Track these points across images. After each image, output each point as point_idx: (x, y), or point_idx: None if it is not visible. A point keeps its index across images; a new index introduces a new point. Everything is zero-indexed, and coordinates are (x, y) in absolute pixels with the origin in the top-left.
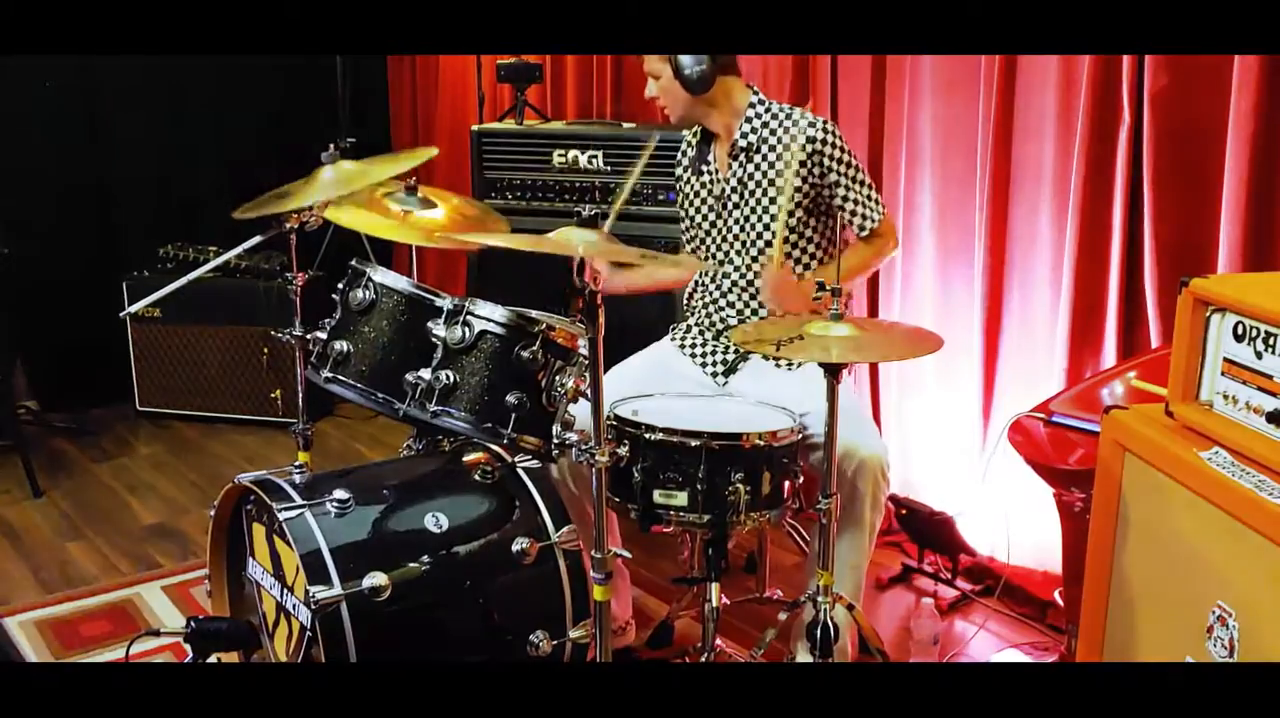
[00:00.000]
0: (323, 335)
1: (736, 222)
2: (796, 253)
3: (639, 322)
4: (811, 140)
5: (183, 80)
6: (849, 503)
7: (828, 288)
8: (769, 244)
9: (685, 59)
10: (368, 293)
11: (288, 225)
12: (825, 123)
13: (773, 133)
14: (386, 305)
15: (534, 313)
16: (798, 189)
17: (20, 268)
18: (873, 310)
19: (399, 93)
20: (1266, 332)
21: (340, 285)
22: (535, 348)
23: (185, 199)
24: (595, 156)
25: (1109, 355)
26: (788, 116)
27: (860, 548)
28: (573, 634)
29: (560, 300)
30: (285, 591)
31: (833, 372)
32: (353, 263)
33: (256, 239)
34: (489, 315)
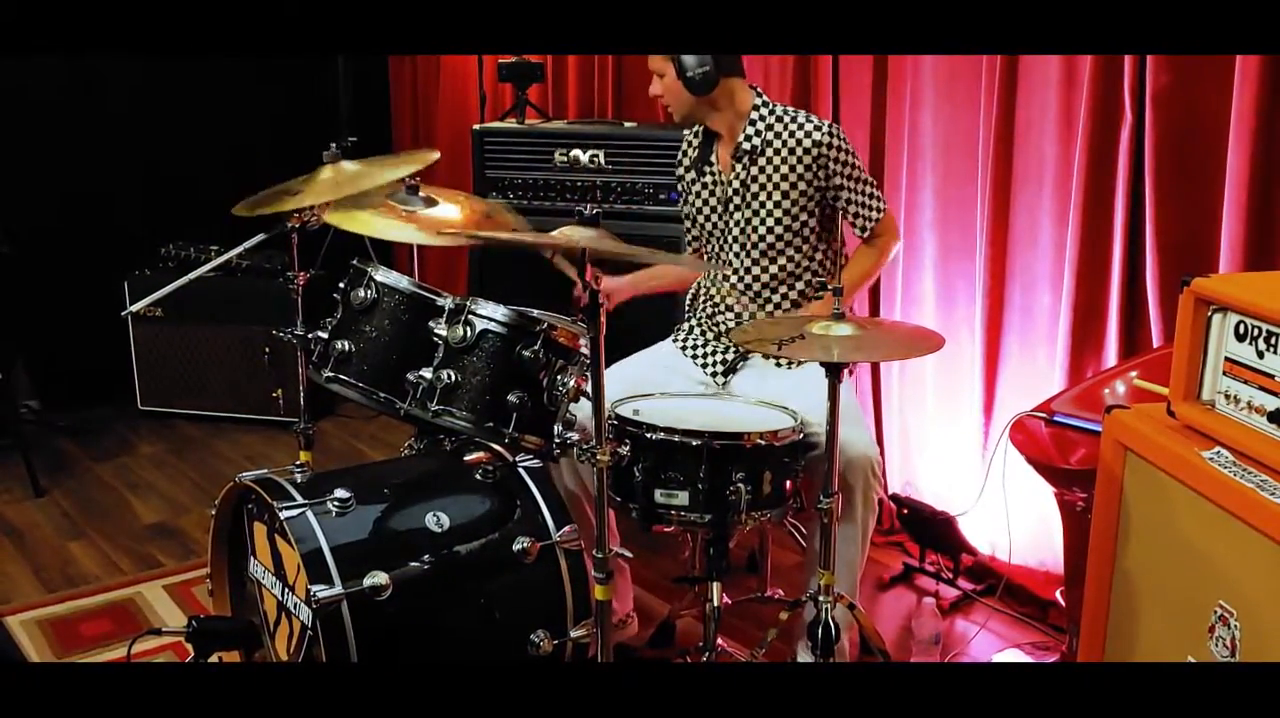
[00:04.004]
0: (324, 335)
1: (737, 224)
2: (793, 253)
3: (639, 323)
4: (817, 144)
5: (184, 80)
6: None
7: (831, 287)
8: (771, 246)
9: (689, 60)
10: (369, 292)
11: (289, 225)
12: (830, 126)
13: (777, 136)
14: (388, 305)
15: (535, 312)
16: (802, 193)
17: (22, 267)
18: (874, 310)
19: (400, 92)
20: (1268, 331)
21: (342, 285)
22: (537, 347)
23: (186, 198)
24: (597, 155)
25: (1110, 355)
26: (793, 119)
27: (853, 546)
28: (573, 634)
29: (562, 300)
30: (286, 589)
31: (834, 371)
32: (354, 262)
33: (258, 238)
34: (490, 315)
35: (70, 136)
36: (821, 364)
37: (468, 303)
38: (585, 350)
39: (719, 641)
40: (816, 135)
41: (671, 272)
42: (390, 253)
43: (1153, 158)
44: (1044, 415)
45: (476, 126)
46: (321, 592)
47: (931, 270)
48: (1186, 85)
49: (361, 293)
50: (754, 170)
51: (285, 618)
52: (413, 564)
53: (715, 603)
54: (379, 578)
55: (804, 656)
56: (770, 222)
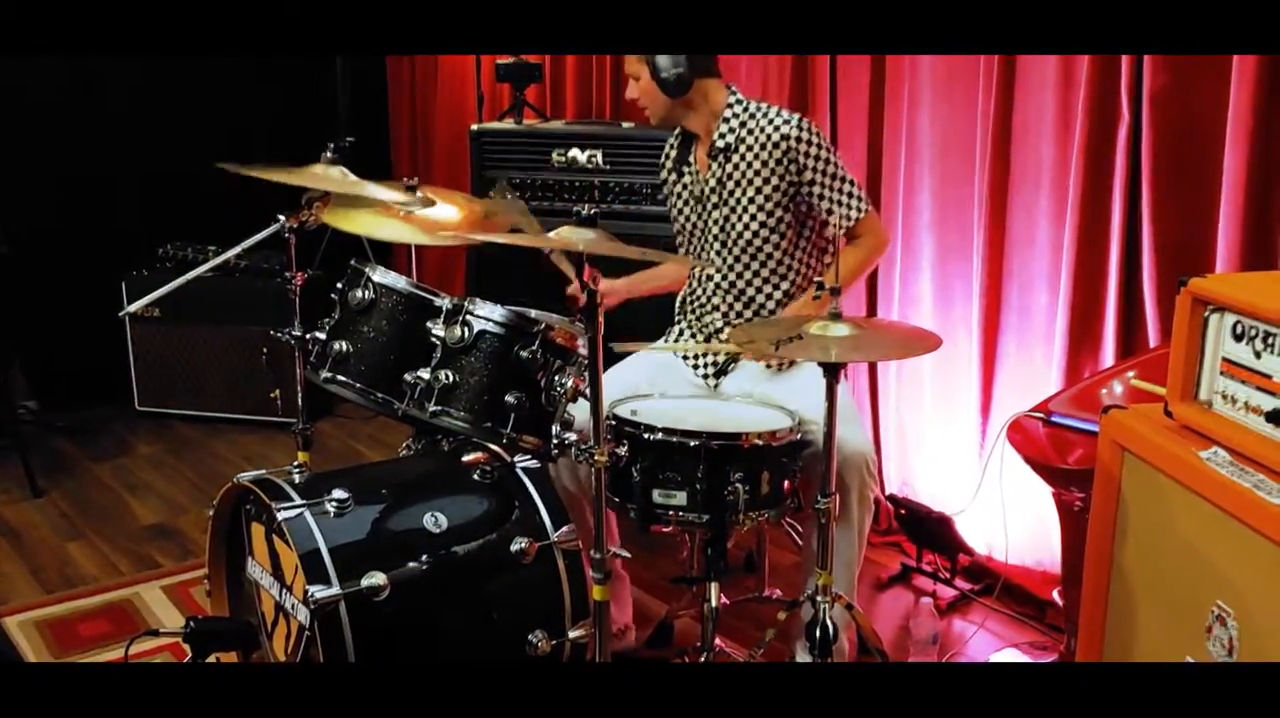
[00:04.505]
0: (322, 335)
1: (716, 222)
2: (773, 250)
3: (636, 324)
4: (785, 138)
5: (184, 80)
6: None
7: (827, 287)
8: (749, 243)
9: (663, 61)
10: (367, 292)
11: (287, 225)
12: (801, 120)
13: (750, 132)
14: (386, 305)
15: (533, 312)
16: (775, 188)
17: (20, 267)
18: (871, 310)
19: (398, 93)
20: (1265, 331)
21: (339, 285)
22: (534, 348)
23: (185, 199)
24: (594, 156)
25: (1108, 355)
26: (764, 115)
27: (850, 544)
28: (571, 634)
29: (560, 300)
30: (284, 590)
31: (831, 372)
32: (352, 262)
33: (256, 238)
34: (488, 315)
35: (70, 137)
36: (819, 364)
37: (465, 303)
38: (583, 351)
39: (717, 641)
40: (785, 129)
41: (669, 272)
42: (388, 253)
43: (1150, 158)
44: (1041, 416)
45: (474, 127)
46: (319, 592)
47: (929, 270)
48: (1184, 86)
49: (359, 293)
50: (728, 168)
51: (283, 619)
52: (410, 565)
53: (713, 603)
54: (377, 578)
55: (802, 656)
56: (746, 218)
